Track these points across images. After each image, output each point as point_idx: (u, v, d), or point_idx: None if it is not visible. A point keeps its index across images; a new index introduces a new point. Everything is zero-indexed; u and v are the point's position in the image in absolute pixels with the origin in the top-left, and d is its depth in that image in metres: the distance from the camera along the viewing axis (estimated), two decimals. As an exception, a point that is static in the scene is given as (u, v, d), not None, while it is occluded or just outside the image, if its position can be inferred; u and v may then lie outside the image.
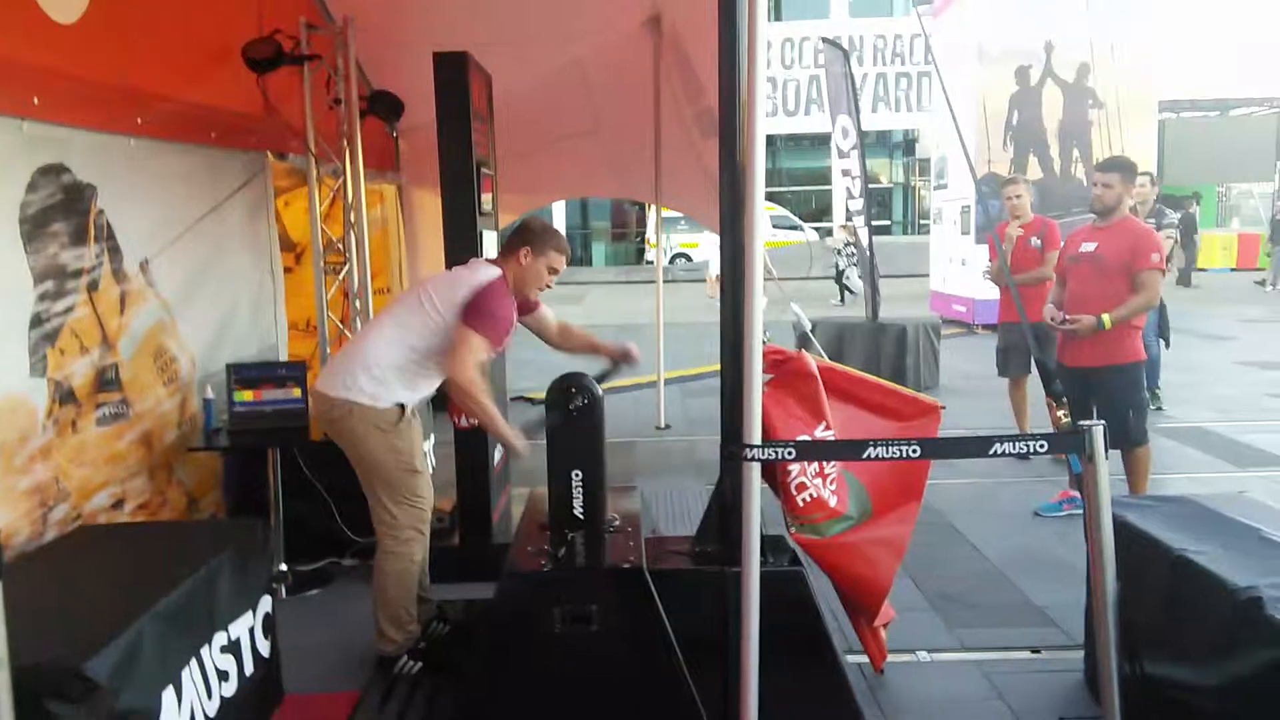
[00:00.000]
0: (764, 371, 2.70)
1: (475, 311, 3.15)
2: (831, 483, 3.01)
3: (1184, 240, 16.83)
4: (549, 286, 3.42)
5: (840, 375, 3.24)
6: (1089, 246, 4.71)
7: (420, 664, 3.36)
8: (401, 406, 3.27)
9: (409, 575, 3.35)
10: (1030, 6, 11.85)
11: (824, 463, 2.99)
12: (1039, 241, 5.93)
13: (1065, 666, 3.37)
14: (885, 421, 3.16)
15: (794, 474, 2.96)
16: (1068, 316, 4.62)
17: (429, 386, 3.39)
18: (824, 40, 6.52)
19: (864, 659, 3.45)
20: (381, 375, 3.23)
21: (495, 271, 3.28)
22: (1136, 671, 2.74)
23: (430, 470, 4.55)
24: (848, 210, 7.29)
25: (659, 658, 2.83)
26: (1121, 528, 2.74)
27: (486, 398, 3.16)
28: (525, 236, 3.32)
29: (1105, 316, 4.47)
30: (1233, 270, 22.32)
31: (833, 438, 3.01)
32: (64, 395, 3.21)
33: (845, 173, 9.25)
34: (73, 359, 3.26)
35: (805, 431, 3.00)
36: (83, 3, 3.24)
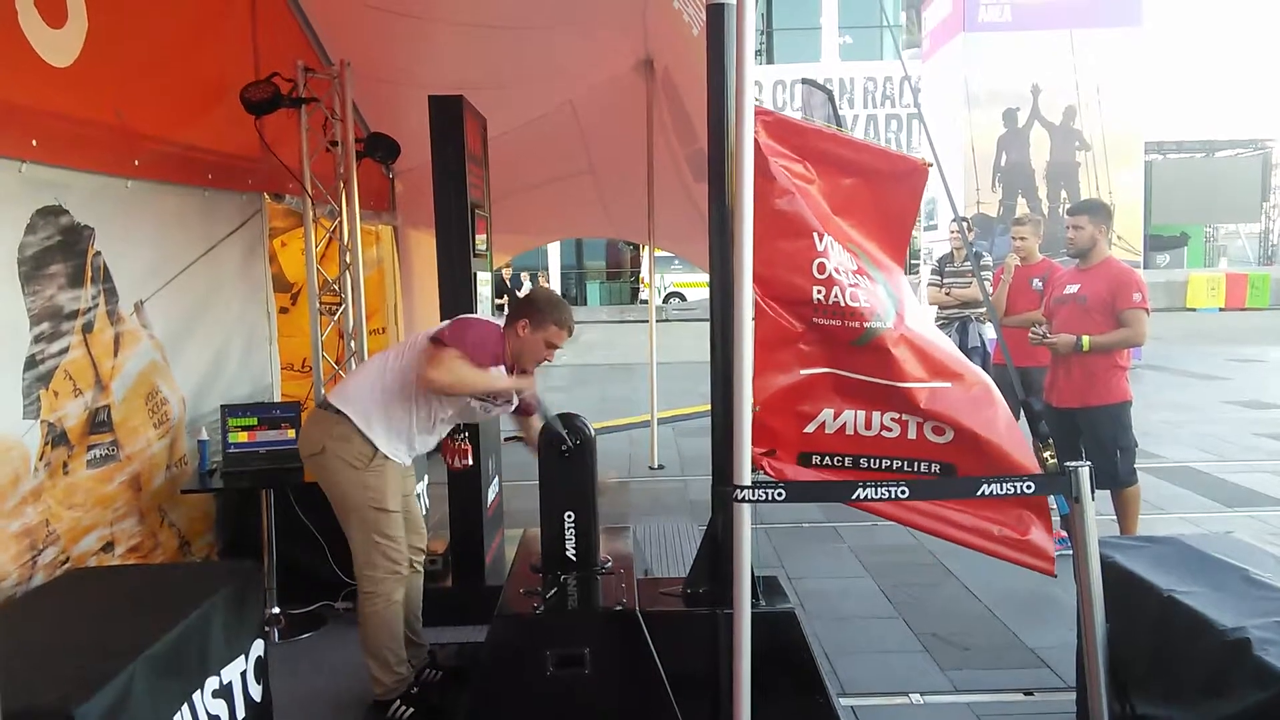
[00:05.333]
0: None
1: (448, 331, 3.14)
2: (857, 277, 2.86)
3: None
4: (548, 360, 3.39)
5: (829, 138, 3.00)
6: (1072, 288, 4.78)
7: (412, 709, 3.33)
8: (375, 448, 3.24)
9: (389, 615, 3.33)
10: (1017, 50, 12.05)
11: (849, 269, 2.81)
12: (1040, 284, 5.75)
13: (1058, 709, 3.36)
14: (874, 188, 2.96)
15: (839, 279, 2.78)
16: (1047, 334, 4.69)
17: (412, 439, 3.34)
18: (804, 81, 6.58)
19: (857, 701, 3.45)
20: (373, 408, 3.24)
21: (495, 323, 3.29)
22: (1127, 712, 2.74)
23: (424, 511, 4.55)
24: None
25: (652, 700, 2.82)
26: (1110, 568, 2.75)
27: (471, 372, 3.08)
28: (526, 309, 3.30)
29: (1085, 338, 4.53)
30: (1221, 310, 22.47)
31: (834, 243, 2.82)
32: (56, 437, 3.21)
33: None
34: (66, 401, 3.27)
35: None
36: (76, 47, 3.29)
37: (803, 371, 2.84)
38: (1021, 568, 2.70)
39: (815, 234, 2.77)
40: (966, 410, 2.71)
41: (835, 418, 2.83)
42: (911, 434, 2.78)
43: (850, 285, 2.76)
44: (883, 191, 2.93)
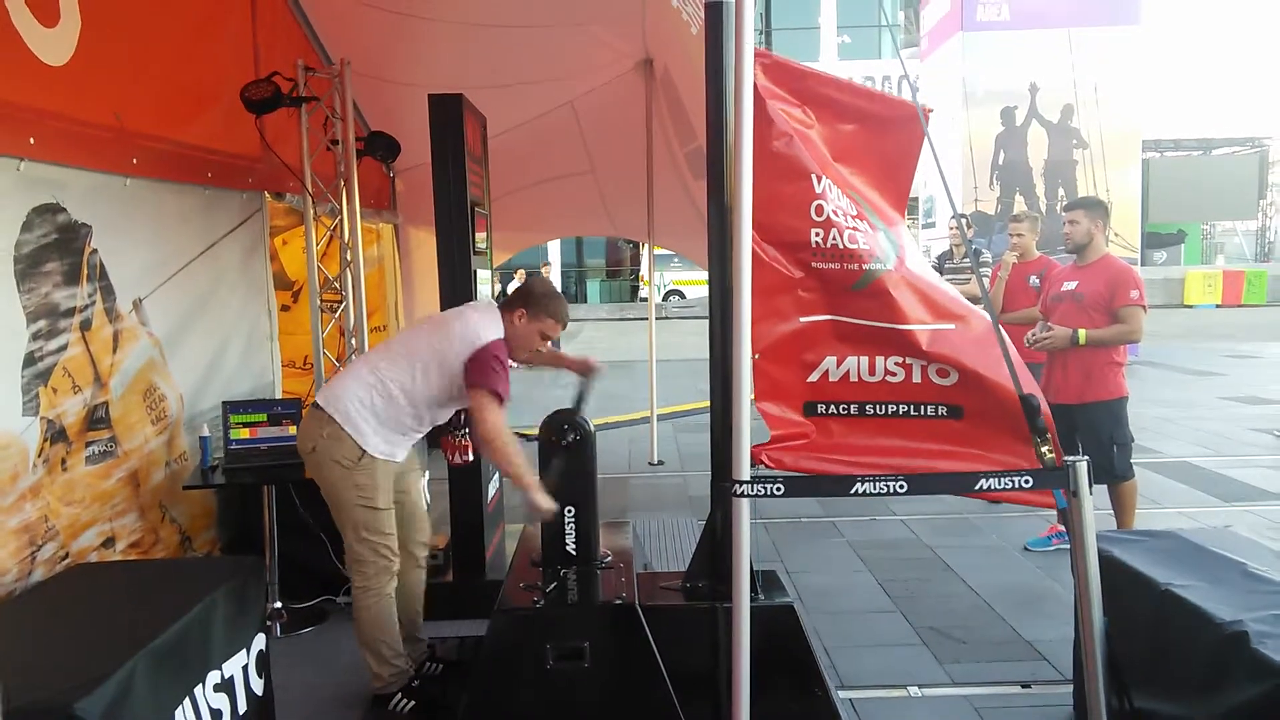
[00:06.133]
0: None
1: (479, 369, 3.15)
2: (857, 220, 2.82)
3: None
4: (540, 350, 3.42)
5: (828, 82, 2.96)
6: (1070, 285, 4.78)
7: (413, 702, 3.34)
8: (363, 450, 3.23)
9: (381, 610, 3.33)
10: (1014, 49, 12.05)
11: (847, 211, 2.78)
12: (1037, 281, 5.73)
13: (1055, 701, 3.37)
14: (874, 134, 2.91)
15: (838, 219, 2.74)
16: (1046, 328, 4.68)
17: (403, 433, 3.34)
18: None
19: (855, 694, 3.46)
20: (358, 409, 3.24)
21: (496, 332, 3.28)
22: (1125, 706, 2.75)
23: (425, 505, 4.55)
24: None
25: (652, 694, 2.83)
26: (1107, 562, 2.77)
27: (517, 454, 3.11)
28: (524, 298, 3.32)
29: (1081, 332, 4.54)
30: (1218, 306, 22.50)
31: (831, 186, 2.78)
32: (55, 434, 3.21)
33: None
34: (65, 397, 3.27)
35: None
36: (70, 46, 3.29)
37: (802, 319, 2.82)
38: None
39: (814, 176, 2.74)
40: (970, 351, 2.70)
41: (838, 365, 2.82)
42: (916, 378, 2.77)
43: (849, 228, 2.73)
44: (883, 137, 2.90)
